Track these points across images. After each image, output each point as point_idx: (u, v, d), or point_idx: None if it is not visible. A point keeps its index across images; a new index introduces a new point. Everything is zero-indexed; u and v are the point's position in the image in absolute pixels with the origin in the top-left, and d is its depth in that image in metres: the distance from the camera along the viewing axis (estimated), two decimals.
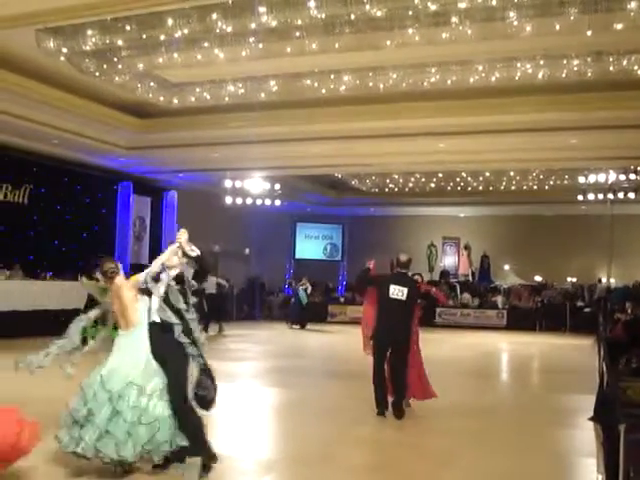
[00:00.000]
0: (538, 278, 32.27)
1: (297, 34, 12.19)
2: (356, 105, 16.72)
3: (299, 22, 11.75)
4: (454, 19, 11.36)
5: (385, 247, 30.01)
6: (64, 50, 13.39)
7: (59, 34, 12.99)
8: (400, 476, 7.03)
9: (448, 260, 35.66)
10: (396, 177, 28.56)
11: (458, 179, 28.20)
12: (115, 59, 14.21)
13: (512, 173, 26.72)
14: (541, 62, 13.67)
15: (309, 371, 15.42)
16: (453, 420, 9.95)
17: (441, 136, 18.32)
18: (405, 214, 35.17)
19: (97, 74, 14.79)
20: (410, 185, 29.84)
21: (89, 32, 12.76)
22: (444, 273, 33.88)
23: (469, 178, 27.88)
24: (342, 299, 32.48)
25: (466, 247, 34.13)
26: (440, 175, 27.62)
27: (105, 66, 14.44)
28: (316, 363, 16.95)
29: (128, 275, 7.28)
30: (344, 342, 19.82)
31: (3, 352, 15.40)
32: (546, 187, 28.21)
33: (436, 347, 20.79)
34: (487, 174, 26.99)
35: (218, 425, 9.46)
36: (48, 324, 18.49)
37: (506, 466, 7.50)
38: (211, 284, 22.71)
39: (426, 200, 31.69)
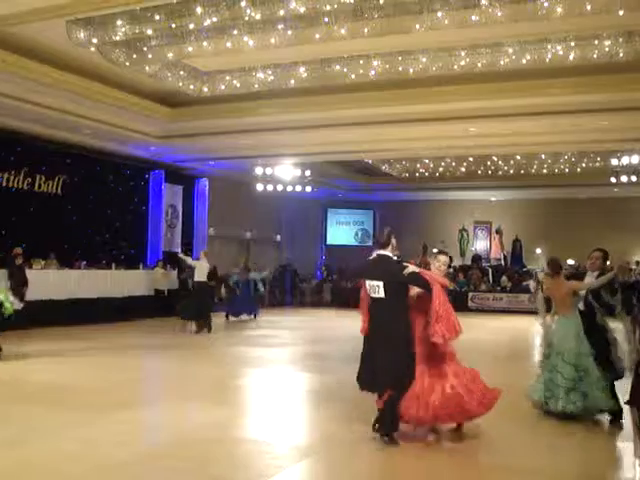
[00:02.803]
0: (571, 262, 32.00)
1: (326, 20, 12.18)
2: (386, 90, 16.67)
3: (328, 8, 11.75)
4: (484, 1, 11.29)
5: (416, 232, 29.99)
6: (94, 41, 13.49)
7: (89, 25, 13.10)
8: (440, 456, 7.05)
9: (480, 244, 35.52)
10: (427, 162, 28.45)
11: (489, 163, 28.02)
12: (145, 49, 14.28)
13: (543, 156, 26.50)
14: (572, 43, 13.53)
15: (342, 356, 15.45)
16: None
17: (472, 120, 18.21)
18: (436, 199, 35.05)
19: (127, 64, 14.88)
20: (441, 170, 29.70)
21: (119, 22, 12.85)
22: (476, 257, 33.76)
23: (500, 162, 27.69)
24: None
25: (498, 231, 33.98)
26: (471, 159, 27.47)
27: (135, 56, 14.52)
28: (348, 348, 16.94)
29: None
30: None
31: (40, 340, 15.68)
32: (578, 170, 27.93)
33: (469, 331, 20.76)
34: (518, 157, 26.81)
35: (253, 410, 9.55)
36: (83, 313, 18.88)
37: (540, 448, 7.49)
38: (201, 270, 19.17)
39: (457, 184, 31.53)
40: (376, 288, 7.57)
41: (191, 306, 18.87)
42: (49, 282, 18.83)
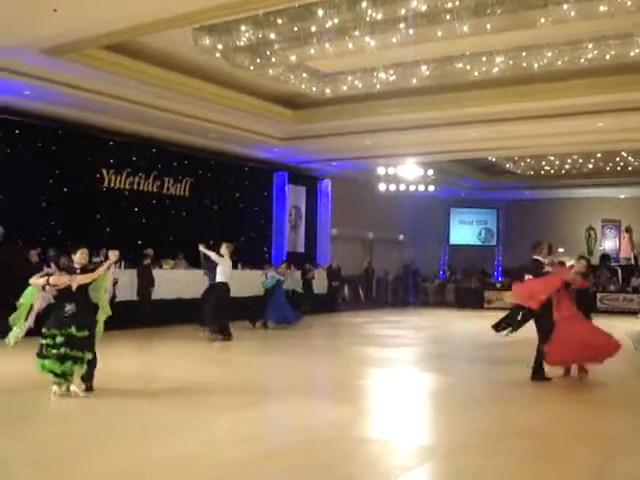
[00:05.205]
0: None
1: (447, 17, 12.09)
2: (509, 86, 16.41)
3: (449, 5, 11.66)
4: None
5: (541, 231, 29.26)
6: (219, 47, 13.84)
7: (214, 31, 13.45)
8: (570, 467, 6.82)
9: (608, 244, 34.39)
10: (552, 159, 27.81)
11: (618, 159, 27.14)
12: (268, 52, 14.54)
13: None
14: None
15: (465, 357, 15.28)
16: (623, 408, 9.62)
17: (599, 114, 17.66)
18: (562, 197, 34.15)
19: (251, 68, 15.19)
20: (567, 167, 28.99)
21: (242, 28, 13.13)
22: (604, 257, 32.70)
23: (630, 157, 26.77)
24: (499, 285, 31.74)
25: (627, 230, 32.76)
26: (598, 155, 26.68)
27: (259, 60, 14.80)
28: (472, 349, 16.77)
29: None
30: None
31: (168, 338, 16.14)
32: None
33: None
34: None
35: (377, 410, 9.55)
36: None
37: None
38: (225, 268, 15.96)
39: (584, 182, 30.67)
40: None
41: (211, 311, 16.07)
42: (178, 282, 19.34)
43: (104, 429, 7.75)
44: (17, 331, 9.26)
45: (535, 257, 11.26)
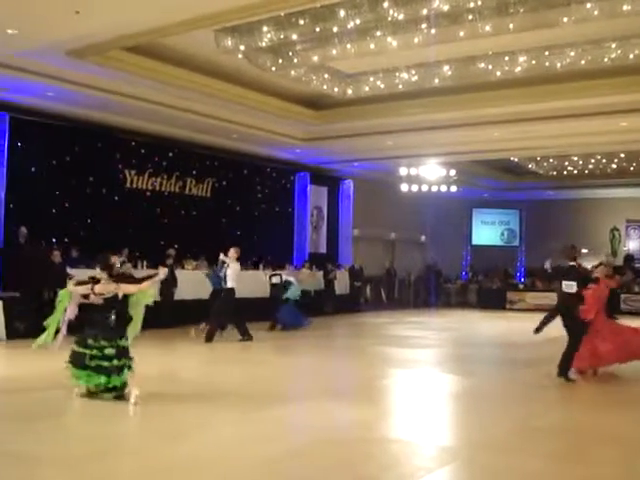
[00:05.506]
0: None
1: (470, 17, 12.06)
2: (532, 86, 16.32)
3: (471, 5, 11.63)
4: None
5: (565, 232, 29.17)
6: (241, 48, 13.87)
7: (236, 33, 13.48)
8: (597, 468, 6.75)
9: (633, 244, 34.11)
10: (575, 159, 27.62)
11: None
12: (290, 53, 14.56)
13: None
14: None
15: (488, 358, 15.23)
16: None
17: (623, 114, 17.52)
18: (585, 197, 33.87)
19: (273, 69, 15.21)
20: (590, 167, 28.77)
21: (264, 29, 13.15)
22: (628, 257, 32.43)
23: None
24: (521, 286, 31.58)
25: None
26: (622, 155, 26.47)
27: (281, 61, 14.82)
28: (494, 350, 16.73)
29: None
30: (522, 330, 19.19)
31: (193, 339, 16.17)
32: None
33: None
34: None
35: (399, 411, 9.54)
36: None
37: None
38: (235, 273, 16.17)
39: (607, 182, 30.39)
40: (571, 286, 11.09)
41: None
42: (200, 282, 19.35)
43: (130, 429, 7.82)
44: (48, 337, 9.11)
45: (572, 264, 11.45)
